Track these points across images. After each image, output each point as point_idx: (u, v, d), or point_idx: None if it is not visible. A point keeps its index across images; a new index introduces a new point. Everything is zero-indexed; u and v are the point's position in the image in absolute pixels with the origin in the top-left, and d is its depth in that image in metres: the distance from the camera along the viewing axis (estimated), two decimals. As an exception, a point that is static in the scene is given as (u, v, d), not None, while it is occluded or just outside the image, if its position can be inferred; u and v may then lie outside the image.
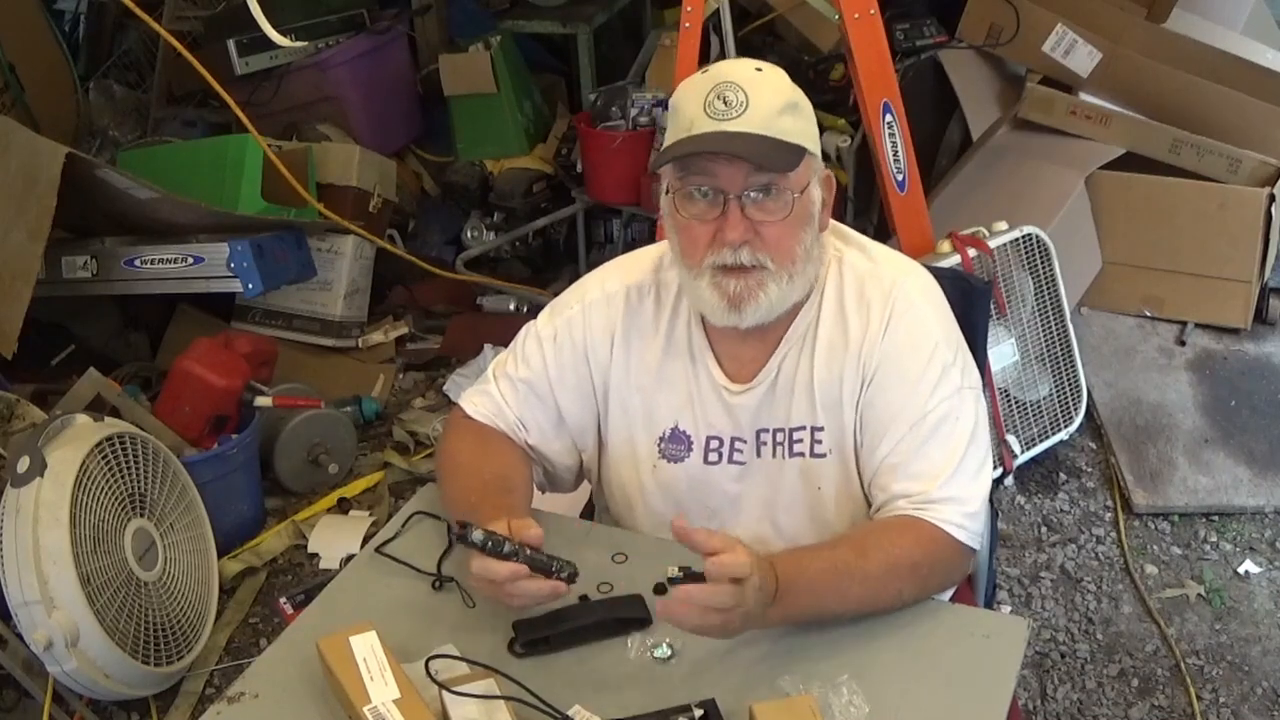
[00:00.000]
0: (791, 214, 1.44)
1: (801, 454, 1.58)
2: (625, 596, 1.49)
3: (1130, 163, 3.47)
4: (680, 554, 1.55)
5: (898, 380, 1.51)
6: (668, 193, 1.49)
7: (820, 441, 1.57)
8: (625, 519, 1.70)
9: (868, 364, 1.53)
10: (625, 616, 1.45)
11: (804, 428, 1.57)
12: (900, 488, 1.50)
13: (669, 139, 1.47)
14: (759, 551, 1.33)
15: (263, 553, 2.93)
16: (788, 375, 1.56)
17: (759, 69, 1.45)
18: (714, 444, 1.60)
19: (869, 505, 1.58)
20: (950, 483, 1.48)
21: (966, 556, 1.52)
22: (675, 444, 1.62)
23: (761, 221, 1.44)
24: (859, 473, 1.58)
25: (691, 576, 1.33)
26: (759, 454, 1.59)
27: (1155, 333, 3.50)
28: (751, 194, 1.43)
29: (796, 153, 1.43)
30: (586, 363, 1.63)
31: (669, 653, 1.40)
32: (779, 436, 1.58)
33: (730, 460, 1.60)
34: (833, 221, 1.62)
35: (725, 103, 1.41)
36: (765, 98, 1.42)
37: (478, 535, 1.36)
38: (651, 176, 3.42)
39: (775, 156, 1.41)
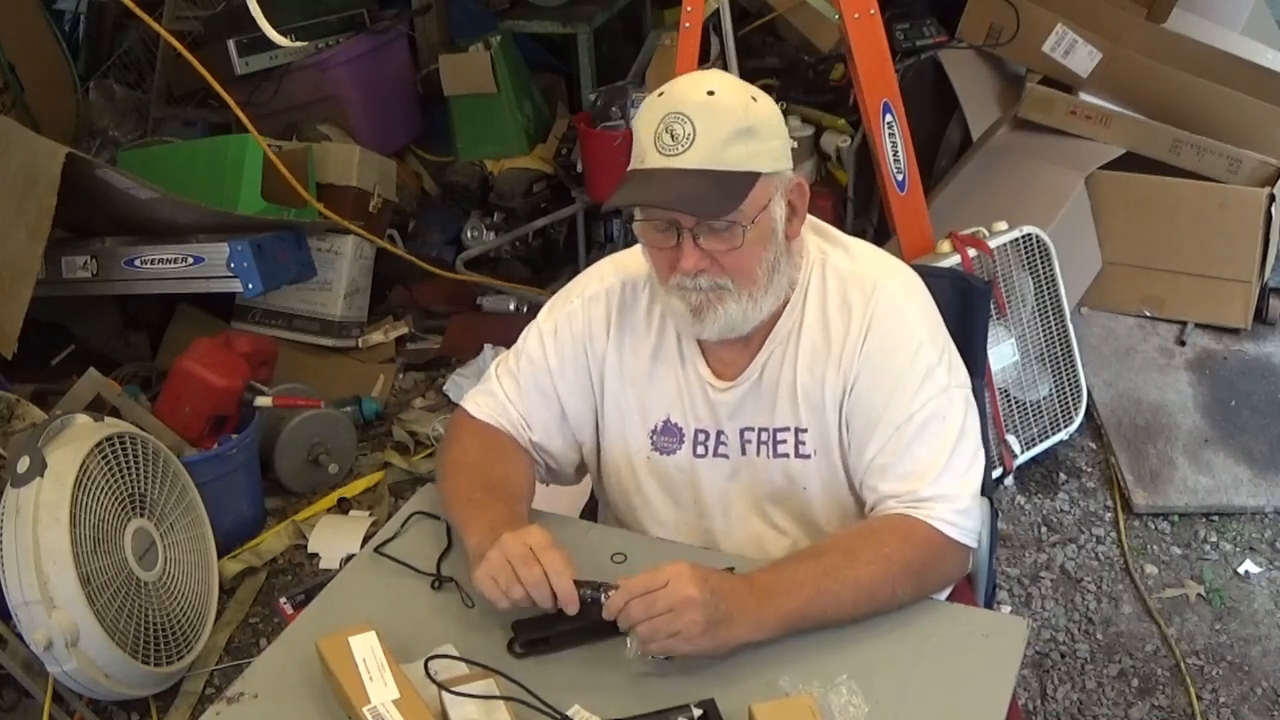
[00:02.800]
0: (744, 244, 1.45)
1: (786, 455, 1.59)
2: None
3: (1130, 163, 3.47)
4: (679, 554, 1.56)
5: (882, 382, 1.52)
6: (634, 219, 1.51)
7: (804, 443, 1.58)
8: (624, 512, 1.72)
9: (849, 370, 1.53)
10: None
11: (788, 429, 1.58)
12: (889, 488, 1.51)
13: (631, 164, 1.47)
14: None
15: (263, 553, 2.93)
16: (771, 376, 1.58)
17: (712, 91, 1.43)
18: (701, 437, 1.62)
19: (857, 505, 1.59)
20: (939, 481, 1.49)
21: (962, 554, 1.52)
22: (667, 436, 1.63)
23: (716, 250, 1.46)
24: (846, 474, 1.58)
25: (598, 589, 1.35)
26: (744, 452, 1.61)
27: (1155, 333, 3.50)
28: (705, 224, 1.44)
29: (744, 184, 1.43)
30: (585, 355, 1.65)
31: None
32: (763, 436, 1.59)
33: (715, 454, 1.62)
34: (817, 221, 1.62)
35: (673, 136, 1.41)
36: (713, 127, 1.41)
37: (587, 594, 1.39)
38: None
39: (717, 199, 1.41)
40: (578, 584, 1.38)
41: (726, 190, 1.42)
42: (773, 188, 1.47)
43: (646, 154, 1.44)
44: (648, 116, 1.45)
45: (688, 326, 1.53)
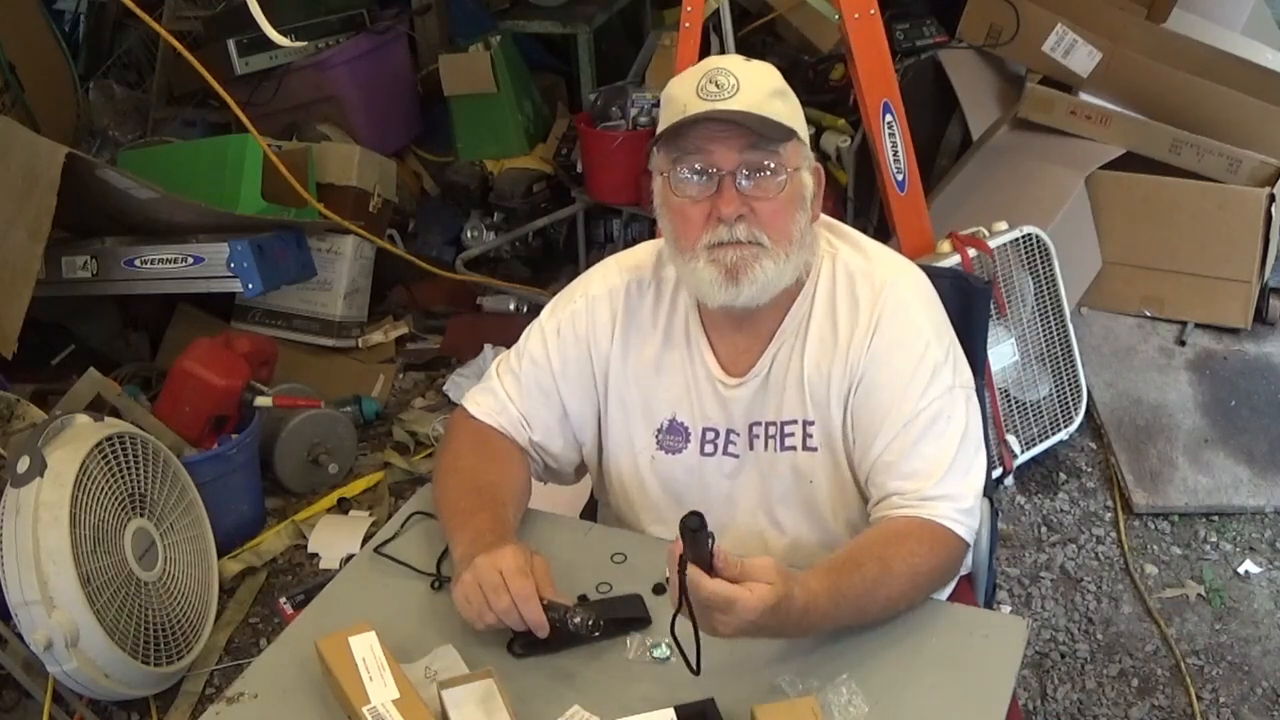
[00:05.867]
0: (785, 192, 1.46)
1: (793, 448, 1.59)
2: (624, 596, 1.49)
3: (1130, 163, 3.47)
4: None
5: (888, 380, 1.52)
6: (661, 175, 1.51)
7: (811, 436, 1.58)
8: (624, 511, 1.71)
9: (855, 366, 1.54)
10: (624, 616, 1.45)
11: (795, 421, 1.58)
12: (896, 485, 1.52)
13: (661, 127, 1.49)
14: (789, 570, 1.32)
15: (263, 553, 2.93)
16: (780, 369, 1.58)
17: (748, 60, 1.50)
18: (710, 435, 1.62)
19: (862, 499, 1.59)
20: (944, 481, 1.50)
21: (965, 552, 1.54)
22: (673, 435, 1.63)
23: (756, 199, 1.46)
24: (851, 468, 1.59)
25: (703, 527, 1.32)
26: (751, 447, 1.61)
27: (1155, 333, 3.50)
28: (745, 171, 1.45)
29: (787, 131, 1.46)
30: (589, 355, 1.65)
31: (668, 653, 1.39)
32: (771, 430, 1.59)
33: (725, 452, 1.62)
34: (828, 218, 1.63)
35: (717, 85, 1.44)
36: (756, 81, 1.46)
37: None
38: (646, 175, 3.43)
39: (768, 129, 1.44)
40: (547, 607, 1.38)
41: (775, 129, 1.45)
42: (803, 155, 1.50)
43: (689, 104, 1.45)
44: (685, 77, 1.48)
45: (719, 292, 1.48)
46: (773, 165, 1.45)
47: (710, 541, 1.25)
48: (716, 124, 1.43)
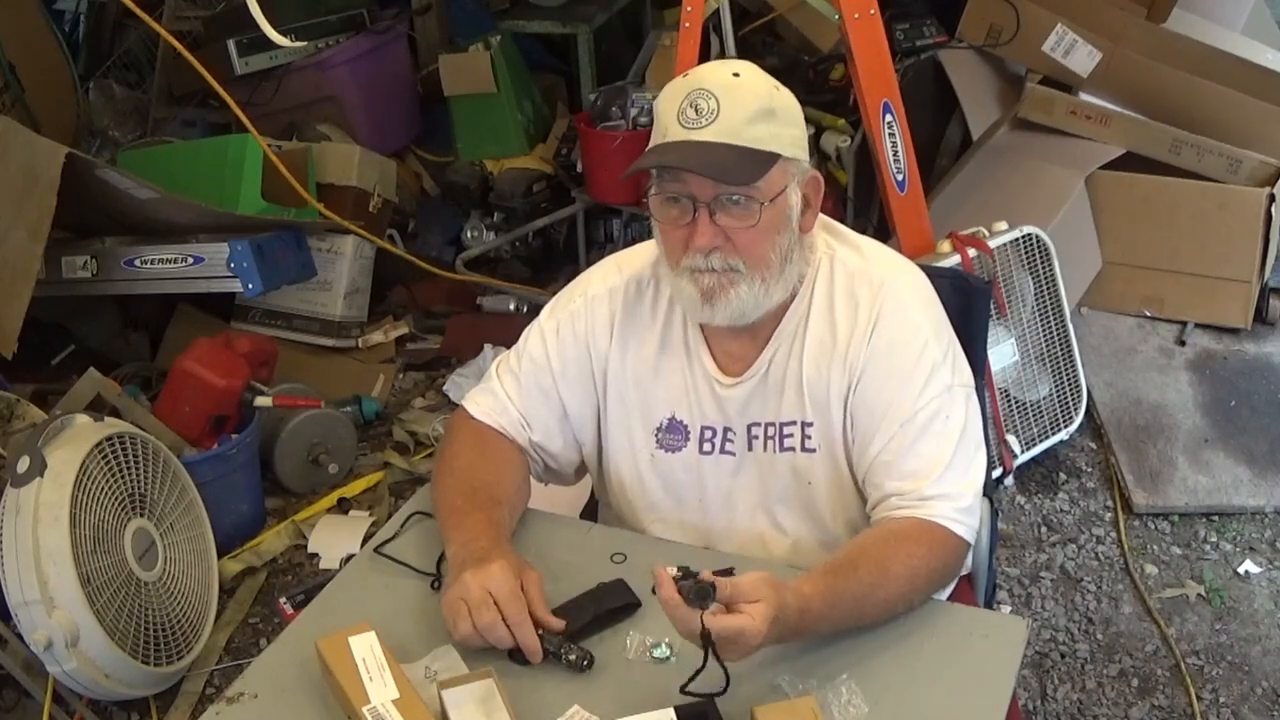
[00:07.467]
0: (760, 222, 1.45)
1: (792, 449, 1.59)
2: (609, 583, 1.49)
3: (1130, 163, 3.47)
4: (680, 554, 1.56)
5: (886, 379, 1.52)
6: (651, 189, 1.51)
7: (810, 437, 1.58)
8: (625, 511, 1.71)
9: (854, 365, 1.54)
10: (615, 605, 1.46)
11: (794, 423, 1.58)
12: (893, 486, 1.52)
13: (651, 143, 1.49)
14: (778, 580, 1.33)
15: (263, 553, 2.93)
16: (778, 370, 1.58)
17: (736, 74, 1.46)
18: (708, 434, 1.62)
19: (861, 501, 1.59)
20: (941, 480, 1.50)
21: (966, 551, 1.53)
22: (672, 434, 1.63)
23: (732, 228, 1.46)
24: (850, 469, 1.59)
25: (690, 575, 1.33)
26: (750, 447, 1.61)
27: (1155, 333, 3.50)
28: (724, 199, 1.44)
29: (764, 161, 1.44)
30: (588, 354, 1.65)
31: (668, 653, 1.40)
32: (770, 430, 1.60)
33: (722, 450, 1.62)
34: (827, 219, 1.63)
35: (696, 110, 1.42)
36: (737, 105, 1.43)
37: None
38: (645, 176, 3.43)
39: (738, 169, 1.42)
40: (542, 638, 1.38)
41: (746, 164, 1.43)
42: (790, 174, 1.48)
43: (669, 128, 1.44)
44: (671, 95, 1.46)
45: (697, 311, 1.52)
46: (747, 198, 1.44)
47: (695, 579, 1.27)
48: (689, 160, 1.42)
